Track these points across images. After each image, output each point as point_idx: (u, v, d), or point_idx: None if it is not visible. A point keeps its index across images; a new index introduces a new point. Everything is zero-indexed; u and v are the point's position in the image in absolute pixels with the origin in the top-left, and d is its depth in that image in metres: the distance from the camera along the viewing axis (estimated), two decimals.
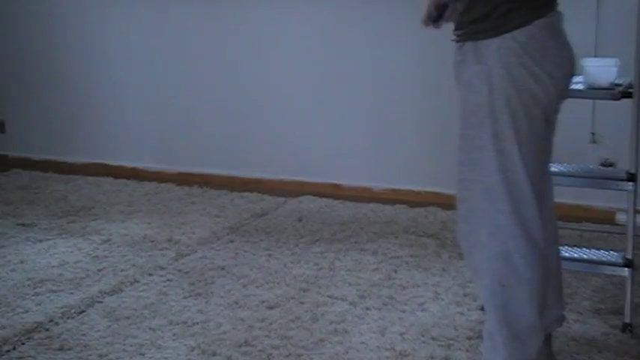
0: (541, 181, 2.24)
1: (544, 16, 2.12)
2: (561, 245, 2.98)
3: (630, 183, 2.79)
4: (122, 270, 3.44)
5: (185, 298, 3.13)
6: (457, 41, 2.21)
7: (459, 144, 2.22)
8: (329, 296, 3.09)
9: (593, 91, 2.83)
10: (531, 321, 2.21)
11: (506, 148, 2.13)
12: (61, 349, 2.74)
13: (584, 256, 2.93)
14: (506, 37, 2.08)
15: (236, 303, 3.07)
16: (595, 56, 3.53)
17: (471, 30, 2.14)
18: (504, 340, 2.21)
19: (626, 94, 2.74)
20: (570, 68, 2.23)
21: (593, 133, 3.94)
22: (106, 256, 3.62)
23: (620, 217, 3.73)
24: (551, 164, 2.93)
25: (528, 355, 2.24)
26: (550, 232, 2.34)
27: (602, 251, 2.97)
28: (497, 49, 2.09)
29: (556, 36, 2.16)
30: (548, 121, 2.19)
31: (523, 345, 2.22)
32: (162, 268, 3.44)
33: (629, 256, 2.80)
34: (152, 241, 3.80)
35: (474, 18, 2.14)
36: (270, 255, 3.57)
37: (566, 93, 2.25)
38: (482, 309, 2.92)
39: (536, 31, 2.10)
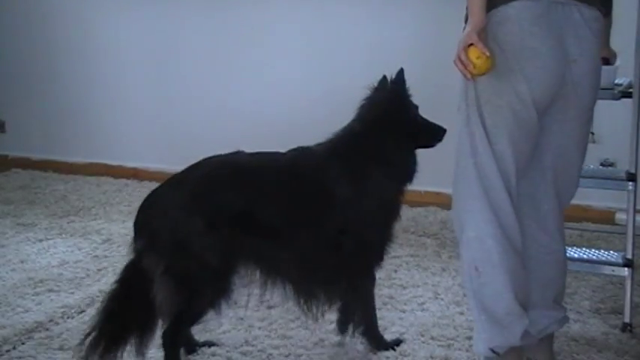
0: (524, 172, 2.23)
1: None
2: None
3: (630, 183, 2.80)
4: None
5: None
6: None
7: None
8: None
9: None
10: (510, 306, 2.20)
11: (475, 132, 2.16)
12: (61, 348, 2.73)
13: (584, 256, 2.93)
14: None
15: (236, 302, 3.06)
16: None
17: (464, 18, 2.16)
18: (483, 324, 2.23)
19: (626, 94, 2.74)
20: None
21: (592, 133, 3.93)
22: (106, 256, 3.63)
23: (620, 217, 3.72)
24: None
25: (510, 340, 2.24)
26: (551, 228, 2.34)
27: (602, 251, 2.98)
28: None
29: (537, 21, 2.11)
30: (525, 114, 2.16)
31: (504, 330, 2.22)
32: None
33: (629, 256, 2.80)
34: None
35: (467, 7, 2.16)
36: None
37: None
38: None
39: (513, 13, 2.08)
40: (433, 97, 4.24)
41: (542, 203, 2.32)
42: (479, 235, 2.18)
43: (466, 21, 2.15)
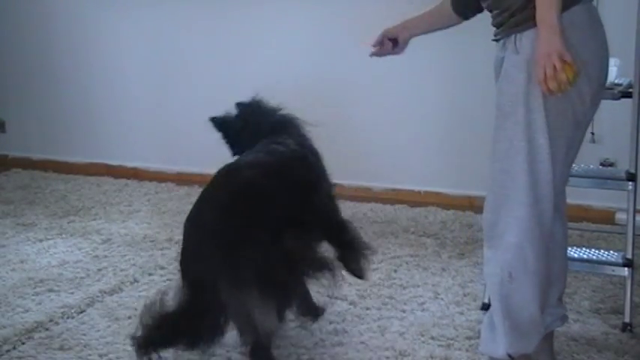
0: (562, 177, 2.24)
1: (580, 3, 2.11)
2: None
3: (630, 183, 2.80)
4: (122, 270, 3.44)
5: None
6: (497, 40, 2.23)
7: (492, 135, 2.23)
8: (329, 296, 3.09)
9: None
10: (533, 315, 2.23)
11: (537, 138, 2.13)
12: (61, 348, 2.74)
13: (584, 256, 2.93)
14: None
15: None
16: None
17: (511, 23, 2.15)
18: (506, 329, 2.24)
19: (626, 94, 2.74)
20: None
21: (592, 133, 3.94)
22: (106, 256, 3.63)
23: (620, 217, 3.73)
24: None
25: (526, 348, 2.26)
26: (562, 231, 2.36)
27: (602, 251, 2.98)
28: (536, 38, 2.07)
29: (591, 22, 2.15)
30: (581, 115, 2.17)
31: (523, 337, 2.25)
32: (163, 268, 3.44)
33: (629, 256, 2.80)
34: (152, 241, 3.80)
35: (513, 11, 2.14)
36: None
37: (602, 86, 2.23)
38: (482, 308, 2.93)
39: (576, 18, 2.09)
40: (435, 101, 4.25)
41: (564, 198, 2.35)
42: (520, 241, 2.18)
43: (511, 27, 2.14)
